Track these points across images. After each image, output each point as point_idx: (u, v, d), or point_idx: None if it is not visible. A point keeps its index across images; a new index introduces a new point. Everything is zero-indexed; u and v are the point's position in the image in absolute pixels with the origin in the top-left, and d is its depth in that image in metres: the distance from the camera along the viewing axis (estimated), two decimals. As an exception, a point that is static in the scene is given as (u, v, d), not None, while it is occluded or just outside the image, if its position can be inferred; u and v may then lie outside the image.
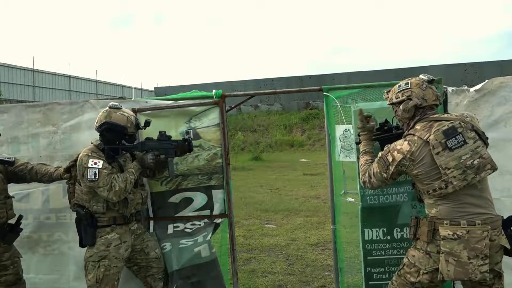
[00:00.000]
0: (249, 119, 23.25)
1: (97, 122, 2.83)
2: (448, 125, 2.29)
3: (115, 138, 2.83)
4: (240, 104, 3.58)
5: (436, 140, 2.27)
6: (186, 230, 3.18)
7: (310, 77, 24.57)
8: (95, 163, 2.66)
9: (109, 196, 2.66)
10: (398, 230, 3.05)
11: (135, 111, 3.19)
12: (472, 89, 2.82)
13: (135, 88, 31.87)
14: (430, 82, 2.45)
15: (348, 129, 3.12)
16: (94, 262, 2.73)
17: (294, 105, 23.75)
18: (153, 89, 30.86)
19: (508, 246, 2.25)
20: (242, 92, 3.27)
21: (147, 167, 2.88)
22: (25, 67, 23.96)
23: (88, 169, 2.65)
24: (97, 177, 2.63)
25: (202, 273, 3.14)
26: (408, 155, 2.33)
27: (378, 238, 3.06)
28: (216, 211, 3.17)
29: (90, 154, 2.72)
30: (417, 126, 2.38)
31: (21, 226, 3.00)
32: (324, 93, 3.02)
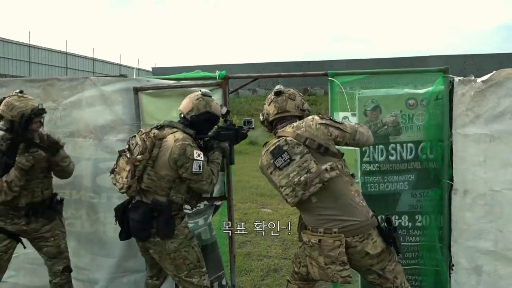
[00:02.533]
0: (246, 103, 23.10)
1: (192, 110, 2.61)
2: (274, 145, 2.32)
3: (209, 128, 2.70)
4: (244, 86, 3.53)
5: (267, 161, 2.33)
6: (185, 210, 3.17)
7: (309, 63, 24.45)
8: (199, 155, 2.48)
9: (209, 190, 2.58)
10: (396, 217, 3.06)
11: (136, 89, 3.15)
12: (479, 80, 2.78)
13: (131, 68, 31.54)
14: (276, 94, 2.48)
15: (347, 117, 3.10)
16: (188, 247, 2.61)
17: (292, 91, 23.65)
18: (150, 69, 30.58)
19: (372, 252, 2.24)
20: (245, 74, 3.22)
21: (225, 156, 2.80)
22: (21, 42, 23.55)
23: (194, 161, 2.45)
24: (201, 170, 2.47)
25: (203, 256, 3.13)
26: (260, 169, 2.45)
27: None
28: (216, 193, 3.15)
29: (192, 145, 2.51)
30: (266, 146, 2.44)
31: None
32: (329, 78, 2.98)
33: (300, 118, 2.47)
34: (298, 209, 2.44)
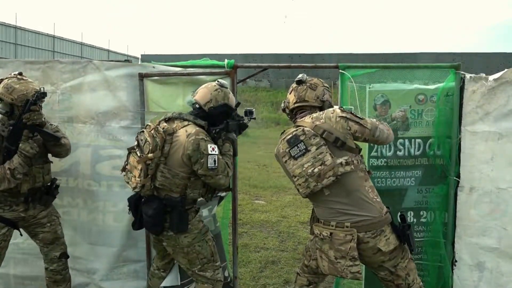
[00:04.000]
0: (236, 93, 23.01)
1: (210, 102, 2.51)
2: (291, 134, 2.30)
3: (222, 121, 2.58)
4: (253, 76, 3.48)
5: (283, 149, 2.31)
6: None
7: (300, 55, 24.39)
8: (213, 149, 2.39)
9: (226, 183, 2.48)
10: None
11: (142, 76, 3.06)
12: (490, 78, 2.78)
13: (120, 54, 31.06)
14: (297, 83, 2.46)
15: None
16: (202, 241, 2.54)
17: (282, 83, 23.57)
18: (139, 56, 30.14)
19: (384, 249, 2.21)
20: (255, 64, 3.16)
21: (234, 148, 2.72)
22: (7, 23, 22.93)
23: (209, 156, 2.36)
24: (216, 165, 2.39)
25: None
26: (275, 158, 2.44)
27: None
28: (220, 184, 3.10)
29: (206, 139, 2.42)
30: (284, 133, 2.43)
31: None
32: (340, 70, 2.94)
33: (321, 108, 2.43)
34: (310, 201, 2.41)
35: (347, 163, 2.23)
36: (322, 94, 2.44)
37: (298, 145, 2.25)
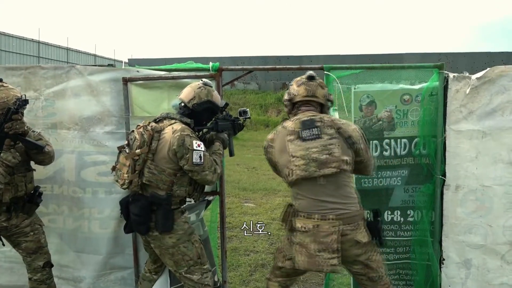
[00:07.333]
0: (224, 96, 22.94)
1: (194, 99, 2.56)
2: (308, 117, 2.37)
3: (208, 119, 2.66)
4: (238, 78, 3.47)
5: (293, 128, 2.35)
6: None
7: (288, 57, 24.46)
8: (199, 145, 2.42)
9: (213, 180, 2.50)
10: (389, 212, 3.08)
11: (126, 80, 3.03)
12: (473, 77, 2.81)
13: (106, 58, 30.82)
14: (308, 79, 2.49)
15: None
16: (187, 242, 2.53)
17: (270, 85, 23.64)
18: (126, 61, 29.94)
19: (362, 241, 2.29)
20: (240, 67, 3.15)
21: (225, 147, 2.74)
22: (-10, 29, 22.63)
23: (194, 151, 2.40)
24: (202, 161, 2.41)
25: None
26: (270, 142, 2.48)
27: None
28: (208, 188, 3.08)
29: (191, 135, 2.45)
30: (291, 119, 2.47)
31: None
32: (325, 72, 2.94)
33: (322, 107, 2.50)
34: (294, 190, 2.40)
35: (348, 163, 2.31)
36: (328, 94, 2.54)
37: (312, 129, 2.31)
